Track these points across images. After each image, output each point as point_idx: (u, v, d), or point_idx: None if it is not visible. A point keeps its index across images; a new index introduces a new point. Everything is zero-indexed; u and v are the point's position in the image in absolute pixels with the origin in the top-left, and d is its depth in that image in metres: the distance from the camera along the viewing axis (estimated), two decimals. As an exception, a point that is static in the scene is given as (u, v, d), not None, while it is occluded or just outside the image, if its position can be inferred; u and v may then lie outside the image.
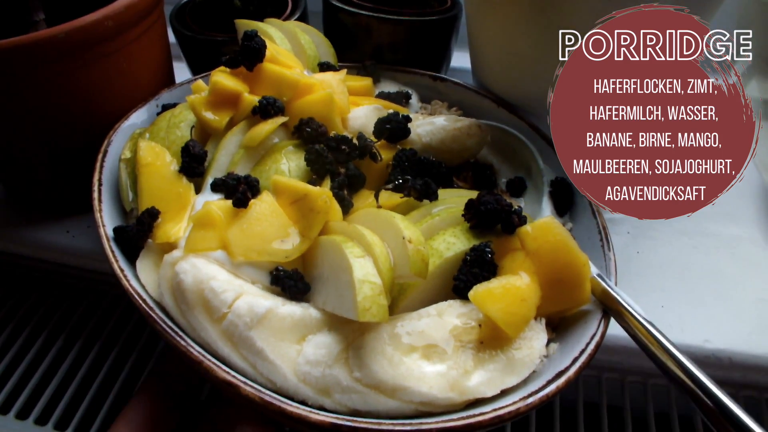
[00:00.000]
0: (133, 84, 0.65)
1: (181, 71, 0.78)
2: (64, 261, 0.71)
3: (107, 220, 0.52)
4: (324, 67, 0.66)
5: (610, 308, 0.45)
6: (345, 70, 0.63)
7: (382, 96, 0.67)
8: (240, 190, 0.48)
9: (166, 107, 0.66)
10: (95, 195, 0.54)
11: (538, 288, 0.43)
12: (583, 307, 0.46)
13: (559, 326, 0.47)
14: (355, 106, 0.61)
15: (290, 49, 0.67)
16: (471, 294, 0.41)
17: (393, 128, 0.56)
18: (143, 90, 0.67)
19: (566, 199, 0.56)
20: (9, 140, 0.62)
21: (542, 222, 0.45)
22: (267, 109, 0.54)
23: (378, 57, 0.74)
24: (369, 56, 0.74)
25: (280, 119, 0.54)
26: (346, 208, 0.49)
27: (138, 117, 0.64)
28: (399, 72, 0.72)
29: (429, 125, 0.59)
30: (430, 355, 0.41)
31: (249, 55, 0.57)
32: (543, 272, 0.44)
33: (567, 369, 0.41)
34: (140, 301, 0.44)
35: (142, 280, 0.47)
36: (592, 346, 0.43)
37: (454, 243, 0.46)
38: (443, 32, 0.75)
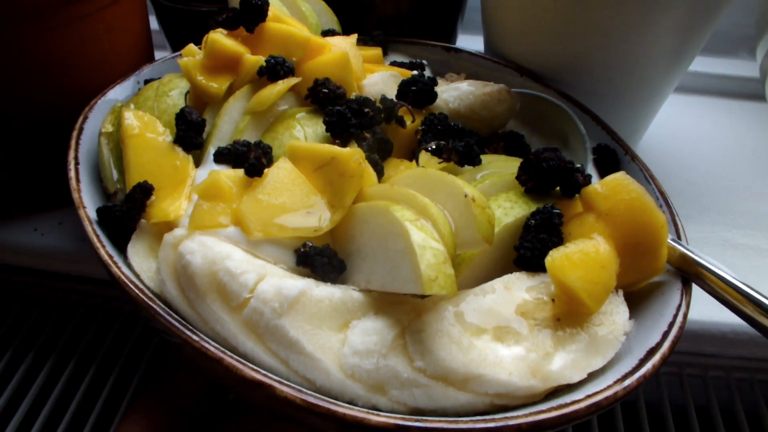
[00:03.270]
0: (110, 55, 0.57)
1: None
2: (32, 264, 0.60)
3: (87, 201, 0.43)
4: (329, 35, 0.60)
5: (691, 274, 0.39)
6: (355, 35, 0.57)
7: (395, 65, 0.60)
8: (252, 156, 0.40)
9: (149, 83, 0.57)
10: (71, 174, 0.45)
11: (615, 253, 0.37)
12: (655, 278, 0.41)
13: (628, 300, 0.41)
14: (370, 73, 0.55)
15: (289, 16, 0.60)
16: (548, 261, 0.34)
17: (419, 90, 0.49)
18: (122, 63, 0.58)
19: (612, 166, 0.51)
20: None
21: (614, 178, 0.39)
22: (275, 69, 0.47)
23: (384, 31, 0.68)
24: (374, 29, 0.68)
25: (292, 80, 0.47)
26: (379, 174, 0.42)
27: (117, 93, 0.56)
28: (408, 44, 0.66)
29: (455, 90, 0.53)
30: (503, 337, 0.34)
31: (250, 13, 0.50)
32: (618, 236, 0.38)
33: (659, 345, 0.35)
34: (135, 291, 0.36)
35: (136, 267, 0.39)
36: (680, 318, 0.37)
37: (511, 207, 0.39)
38: (451, 4, 0.70)
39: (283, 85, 0.46)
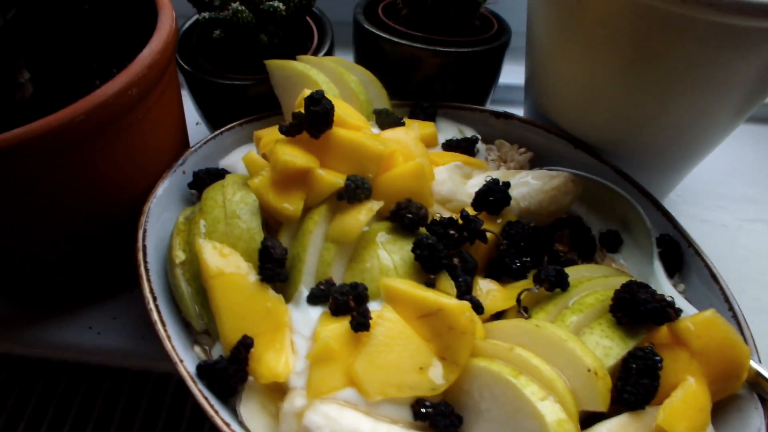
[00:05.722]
0: (155, 152, 0.54)
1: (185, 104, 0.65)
2: (88, 360, 0.60)
3: (183, 353, 0.43)
4: (382, 116, 0.57)
5: (765, 391, 0.43)
6: (416, 124, 0.55)
7: (451, 146, 0.59)
8: (358, 311, 0.40)
9: (198, 176, 0.55)
10: (155, 317, 0.44)
11: (708, 391, 0.40)
12: (731, 391, 0.44)
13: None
14: (434, 165, 0.54)
15: (338, 95, 0.57)
16: (660, 419, 0.37)
17: (496, 200, 0.49)
18: (165, 155, 0.55)
19: (675, 259, 0.53)
20: (15, 242, 0.49)
21: (706, 318, 0.41)
22: (356, 193, 0.46)
23: (426, 88, 0.66)
24: (415, 88, 0.66)
25: (375, 205, 0.46)
26: (479, 313, 0.43)
27: (164, 188, 0.53)
28: (457, 109, 0.64)
29: (523, 186, 0.53)
30: (619, 492, 0.37)
31: (316, 122, 0.48)
32: (709, 372, 0.41)
33: (749, 479, 0.39)
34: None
35: (252, 429, 0.40)
36: (763, 446, 0.41)
37: (610, 347, 0.41)
38: (494, 60, 0.68)
39: (366, 214, 0.45)
